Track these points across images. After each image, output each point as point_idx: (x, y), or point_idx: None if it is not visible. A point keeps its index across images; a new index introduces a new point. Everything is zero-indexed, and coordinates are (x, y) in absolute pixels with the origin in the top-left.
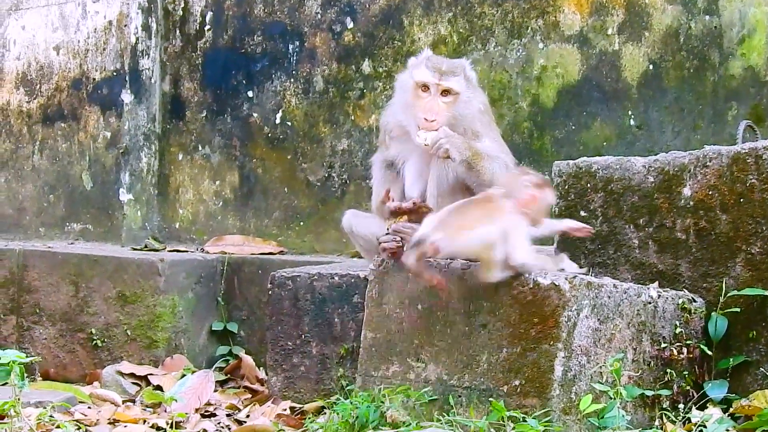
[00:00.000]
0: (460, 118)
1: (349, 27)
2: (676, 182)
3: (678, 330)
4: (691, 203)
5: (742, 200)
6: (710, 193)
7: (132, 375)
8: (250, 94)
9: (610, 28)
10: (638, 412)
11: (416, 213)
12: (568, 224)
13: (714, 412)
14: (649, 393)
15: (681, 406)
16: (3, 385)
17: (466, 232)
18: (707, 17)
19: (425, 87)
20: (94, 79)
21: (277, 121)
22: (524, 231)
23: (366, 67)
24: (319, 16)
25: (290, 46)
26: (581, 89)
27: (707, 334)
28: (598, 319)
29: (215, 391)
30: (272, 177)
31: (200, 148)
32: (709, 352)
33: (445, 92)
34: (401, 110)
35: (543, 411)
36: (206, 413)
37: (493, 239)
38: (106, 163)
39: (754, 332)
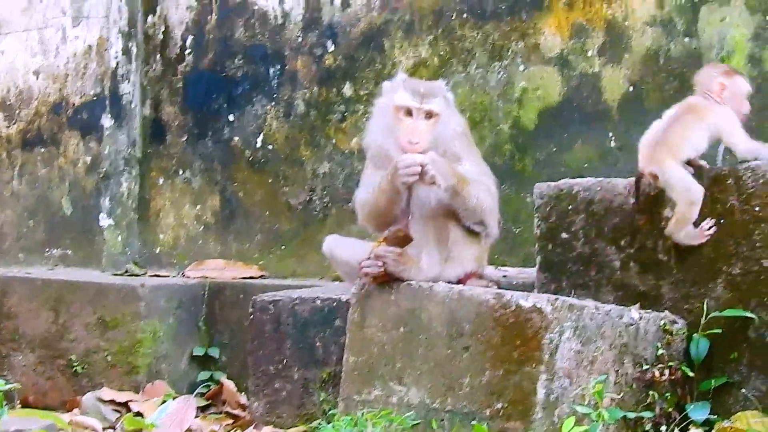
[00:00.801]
0: (441, 140)
1: (330, 50)
2: (658, 203)
3: (660, 351)
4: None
5: (722, 221)
6: None
7: (112, 401)
8: (231, 117)
9: (590, 50)
10: None
11: (396, 239)
12: None
13: None
14: (632, 415)
15: (663, 428)
16: None
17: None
18: (687, 39)
19: (407, 111)
20: (74, 103)
21: (258, 144)
22: (733, 119)
23: (347, 90)
24: (300, 39)
25: (271, 70)
26: (562, 111)
27: (689, 356)
28: (580, 341)
29: (196, 417)
30: (253, 200)
31: (181, 172)
32: (691, 374)
33: (427, 115)
34: (382, 134)
35: None
36: None
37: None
38: (86, 187)
39: (736, 353)
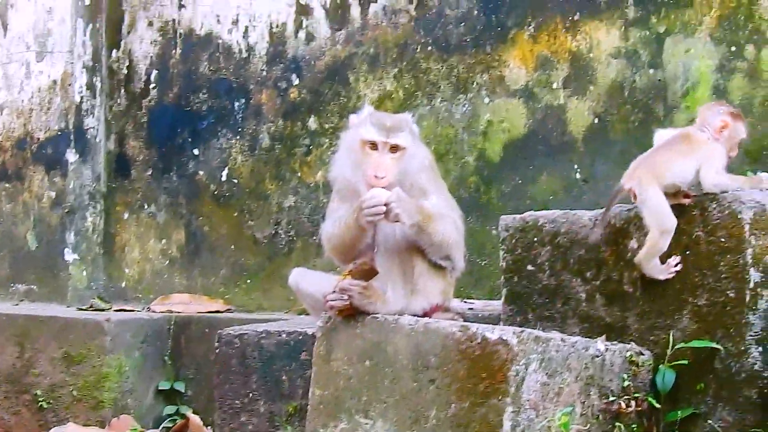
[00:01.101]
0: (407, 174)
1: (294, 83)
2: (623, 235)
3: (626, 383)
4: None
5: (688, 252)
6: None
7: None
8: (195, 151)
9: (555, 83)
10: None
11: (362, 272)
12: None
13: None
14: None
15: None
16: None
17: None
18: (651, 70)
19: (373, 145)
20: (38, 138)
21: (223, 178)
22: (719, 156)
23: (312, 123)
24: (265, 73)
25: (236, 104)
26: (527, 143)
27: (655, 387)
28: (546, 373)
29: None
30: (219, 234)
31: (146, 206)
32: (658, 405)
33: (393, 148)
34: (348, 167)
35: None
36: None
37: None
38: (51, 222)
39: (702, 384)
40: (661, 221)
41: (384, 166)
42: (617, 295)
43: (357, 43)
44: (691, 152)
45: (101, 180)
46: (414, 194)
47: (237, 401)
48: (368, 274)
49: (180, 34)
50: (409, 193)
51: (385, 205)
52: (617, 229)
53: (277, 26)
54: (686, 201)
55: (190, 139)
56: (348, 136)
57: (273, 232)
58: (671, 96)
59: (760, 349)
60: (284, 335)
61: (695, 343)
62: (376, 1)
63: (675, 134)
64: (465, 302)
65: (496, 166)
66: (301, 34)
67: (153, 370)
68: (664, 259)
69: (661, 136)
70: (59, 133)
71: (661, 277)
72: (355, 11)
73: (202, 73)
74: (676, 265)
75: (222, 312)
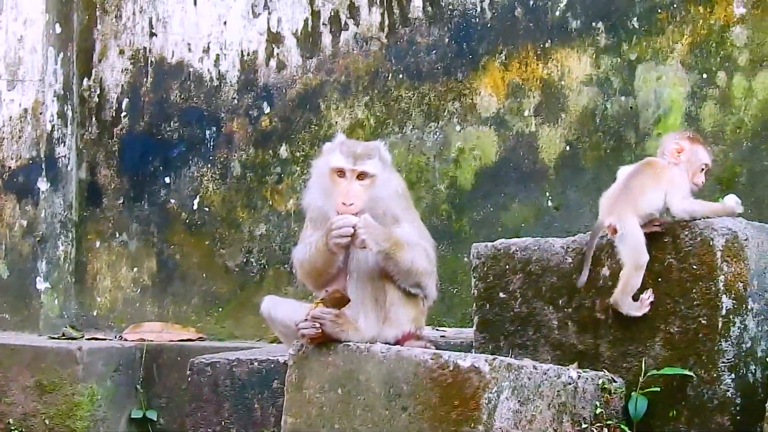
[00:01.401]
0: (378, 201)
1: (266, 112)
2: (595, 262)
3: (598, 410)
4: (610, 283)
5: (660, 279)
6: None
7: None
8: (167, 180)
9: (526, 110)
10: None
11: (333, 300)
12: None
13: None
14: None
15: None
16: None
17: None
18: (623, 98)
19: (341, 172)
20: (9, 167)
21: (195, 206)
22: (681, 181)
23: (283, 151)
24: (236, 101)
25: (207, 132)
26: (499, 171)
27: (628, 414)
28: (519, 401)
29: None
30: (190, 263)
31: (117, 234)
32: None
33: (361, 176)
34: (319, 195)
35: None
36: None
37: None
38: (22, 251)
39: (675, 411)
40: (636, 257)
41: (353, 193)
42: (589, 322)
43: (328, 71)
44: (657, 179)
45: (73, 208)
46: (386, 222)
47: (209, 429)
48: (340, 302)
49: (151, 62)
50: (381, 221)
51: (353, 228)
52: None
53: (248, 54)
54: (658, 228)
55: (161, 168)
56: (318, 164)
57: (244, 260)
58: (643, 123)
59: (733, 376)
60: (256, 363)
61: (667, 370)
62: (347, 29)
63: (638, 165)
64: (437, 330)
65: (468, 193)
66: (273, 63)
67: (125, 398)
68: (636, 295)
69: (623, 172)
70: (30, 161)
71: (638, 313)
72: (326, 39)
73: (174, 101)
74: (649, 298)
75: (194, 340)
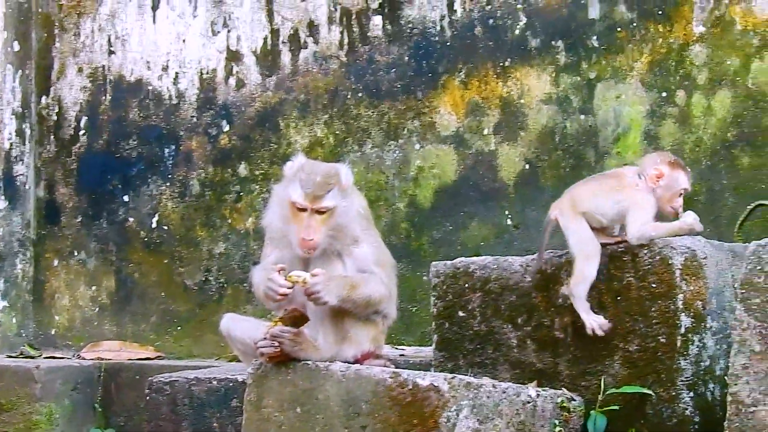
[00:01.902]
0: (339, 227)
1: (225, 130)
2: (554, 281)
3: (557, 429)
4: (569, 302)
5: (619, 298)
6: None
7: None
8: (125, 198)
9: (486, 129)
10: None
11: (292, 318)
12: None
13: None
14: None
15: None
16: None
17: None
18: (582, 116)
19: (300, 208)
20: None
21: (154, 225)
22: (648, 206)
23: (242, 169)
24: (195, 119)
25: (166, 150)
26: (458, 189)
27: None
28: (478, 420)
29: None
30: (149, 281)
31: (76, 253)
32: None
33: (321, 211)
34: (279, 220)
35: None
36: None
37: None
38: None
39: (634, 430)
40: (582, 247)
41: (312, 228)
42: (548, 340)
43: (287, 90)
44: (618, 191)
45: (31, 227)
46: (345, 243)
47: None
48: (299, 320)
49: (110, 80)
50: (341, 242)
51: (305, 291)
52: (548, 275)
53: (207, 72)
54: (612, 243)
55: (120, 186)
56: (279, 190)
57: (203, 278)
58: (602, 142)
59: (692, 394)
60: (215, 382)
61: (626, 389)
62: (306, 48)
63: (609, 171)
64: (396, 348)
65: (427, 212)
66: (232, 81)
67: (83, 417)
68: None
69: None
70: None
71: (589, 323)
72: (286, 57)
73: (132, 119)
74: (606, 326)
75: (152, 359)
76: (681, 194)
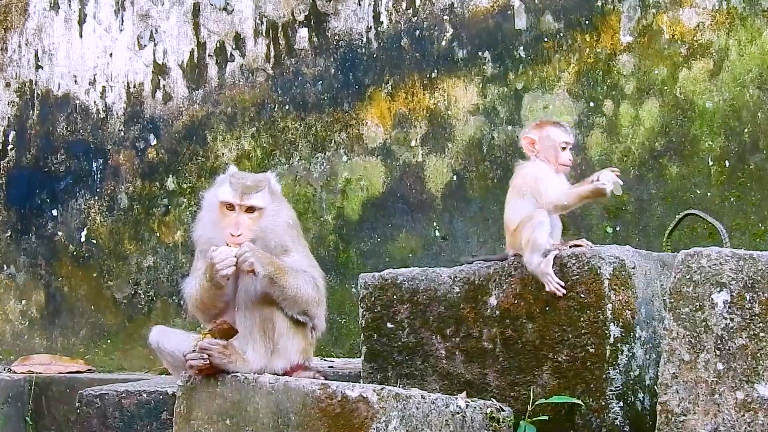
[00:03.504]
0: (268, 232)
1: (152, 144)
2: (482, 292)
3: None
4: (497, 312)
5: (547, 308)
6: (516, 302)
7: None
8: (54, 212)
9: (413, 140)
10: None
11: (221, 331)
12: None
13: None
14: None
15: None
16: None
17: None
18: (510, 127)
19: (230, 206)
20: None
21: (82, 239)
22: (543, 174)
23: (170, 183)
24: (123, 133)
25: (94, 164)
26: (386, 201)
27: None
28: (407, 430)
29: None
30: (78, 295)
31: (5, 267)
32: None
33: (250, 209)
34: (209, 227)
35: None
36: None
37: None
38: None
39: None
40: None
41: (241, 225)
42: (477, 351)
43: (214, 103)
44: (519, 186)
45: None
46: (276, 252)
47: None
48: (228, 333)
49: (37, 95)
50: (271, 252)
51: (236, 258)
52: (476, 286)
53: (134, 86)
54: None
55: (48, 201)
56: (208, 197)
57: (132, 292)
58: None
59: (621, 404)
60: (145, 395)
61: (556, 399)
62: (233, 60)
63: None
64: (325, 360)
65: (355, 224)
66: (159, 94)
67: (14, 431)
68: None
69: None
70: None
71: (548, 271)
72: (212, 71)
73: (60, 133)
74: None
75: (82, 372)
76: (564, 148)
